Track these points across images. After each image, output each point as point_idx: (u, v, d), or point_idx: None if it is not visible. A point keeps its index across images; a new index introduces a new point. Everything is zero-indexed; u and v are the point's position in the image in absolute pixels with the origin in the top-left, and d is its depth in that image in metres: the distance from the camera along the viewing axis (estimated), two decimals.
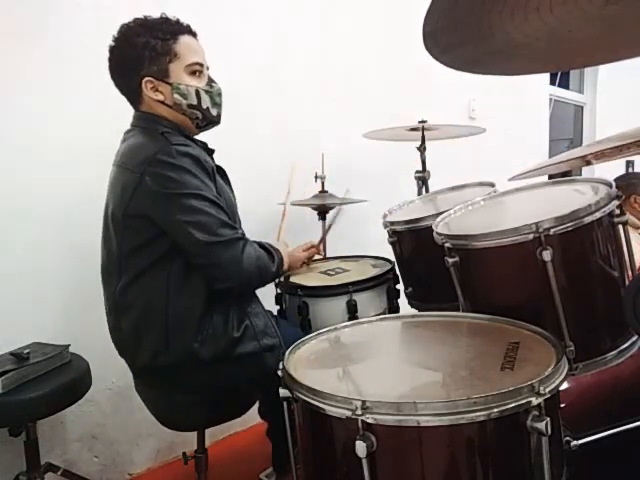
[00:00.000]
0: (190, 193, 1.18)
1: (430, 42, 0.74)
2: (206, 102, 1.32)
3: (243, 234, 1.27)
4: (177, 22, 1.29)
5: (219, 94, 1.35)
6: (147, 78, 1.26)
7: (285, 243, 1.51)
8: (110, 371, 1.77)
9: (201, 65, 1.31)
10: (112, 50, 1.28)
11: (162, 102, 1.29)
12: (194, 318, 1.23)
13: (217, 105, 1.35)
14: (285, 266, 1.42)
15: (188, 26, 1.31)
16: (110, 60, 1.29)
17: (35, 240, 1.63)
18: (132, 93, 1.31)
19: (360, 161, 2.51)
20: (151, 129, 1.27)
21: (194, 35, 1.32)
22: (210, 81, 1.34)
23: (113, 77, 1.31)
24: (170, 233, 1.21)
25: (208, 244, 1.19)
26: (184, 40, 1.28)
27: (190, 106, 1.30)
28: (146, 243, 1.22)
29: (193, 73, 1.30)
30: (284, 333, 1.33)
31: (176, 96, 1.28)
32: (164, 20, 1.28)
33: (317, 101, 2.39)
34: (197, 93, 1.30)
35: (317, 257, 1.77)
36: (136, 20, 1.28)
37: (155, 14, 1.30)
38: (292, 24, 2.28)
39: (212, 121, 1.36)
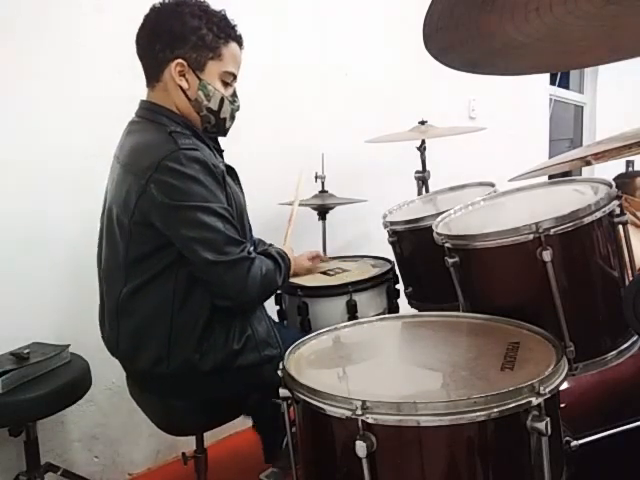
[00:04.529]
0: (197, 206, 1.12)
1: (430, 42, 0.74)
2: (226, 112, 1.28)
3: (250, 251, 1.19)
4: (234, 27, 1.26)
5: (238, 109, 1.33)
6: (180, 60, 1.20)
7: (291, 249, 1.48)
8: (110, 371, 1.77)
9: (235, 77, 1.29)
10: (157, 12, 1.21)
11: (183, 90, 1.23)
12: (197, 329, 1.20)
13: (233, 119, 1.32)
14: (291, 272, 1.41)
15: (241, 36, 1.28)
16: (146, 21, 1.22)
17: (35, 240, 1.63)
18: (154, 65, 1.23)
19: (360, 161, 2.51)
20: (158, 125, 1.20)
21: (241, 47, 1.29)
22: (234, 95, 1.31)
23: (139, 39, 1.24)
24: (177, 245, 1.16)
25: (212, 263, 1.12)
26: (233, 47, 1.25)
27: (209, 109, 1.25)
28: (154, 250, 1.18)
29: (225, 82, 1.27)
30: (284, 338, 1.30)
31: (200, 93, 1.23)
32: (223, 17, 1.24)
33: (317, 101, 2.39)
34: (221, 100, 1.26)
35: None
36: (197, 1, 1.22)
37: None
38: (292, 24, 2.28)
39: (221, 131, 1.33)
